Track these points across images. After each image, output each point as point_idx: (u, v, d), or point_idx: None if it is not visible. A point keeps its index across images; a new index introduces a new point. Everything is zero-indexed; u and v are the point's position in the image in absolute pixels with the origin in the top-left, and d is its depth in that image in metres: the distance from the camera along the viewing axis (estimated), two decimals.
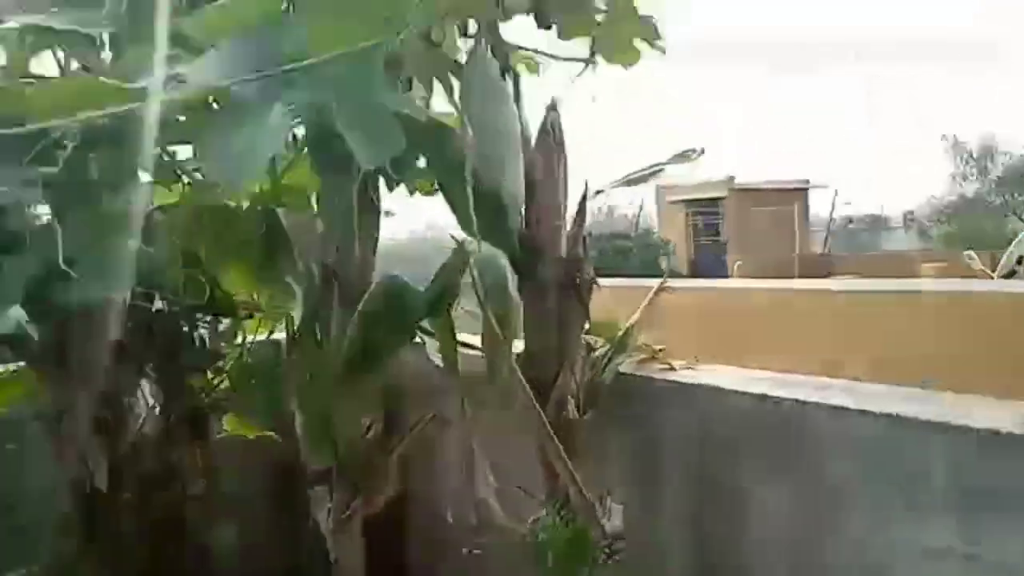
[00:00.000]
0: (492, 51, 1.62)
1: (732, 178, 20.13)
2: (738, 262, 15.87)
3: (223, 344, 2.22)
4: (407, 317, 1.51)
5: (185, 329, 2.14)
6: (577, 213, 1.73)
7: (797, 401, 1.63)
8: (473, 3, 1.32)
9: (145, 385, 2.09)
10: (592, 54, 1.51)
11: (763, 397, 1.69)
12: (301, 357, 1.53)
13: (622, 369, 1.97)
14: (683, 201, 20.71)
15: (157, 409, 2.11)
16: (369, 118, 0.85)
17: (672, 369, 2.01)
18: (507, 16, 1.41)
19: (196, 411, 2.18)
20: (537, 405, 1.80)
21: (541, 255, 1.71)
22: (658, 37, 1.51)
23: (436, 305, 1.52)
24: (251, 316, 2.27)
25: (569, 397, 1.82)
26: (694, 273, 19.11)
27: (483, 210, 1.63)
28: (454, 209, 1.67)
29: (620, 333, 1.98)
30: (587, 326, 1.87)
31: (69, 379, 1.82)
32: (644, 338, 2.05)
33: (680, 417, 1.87)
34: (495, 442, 1.81)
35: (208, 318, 2.20)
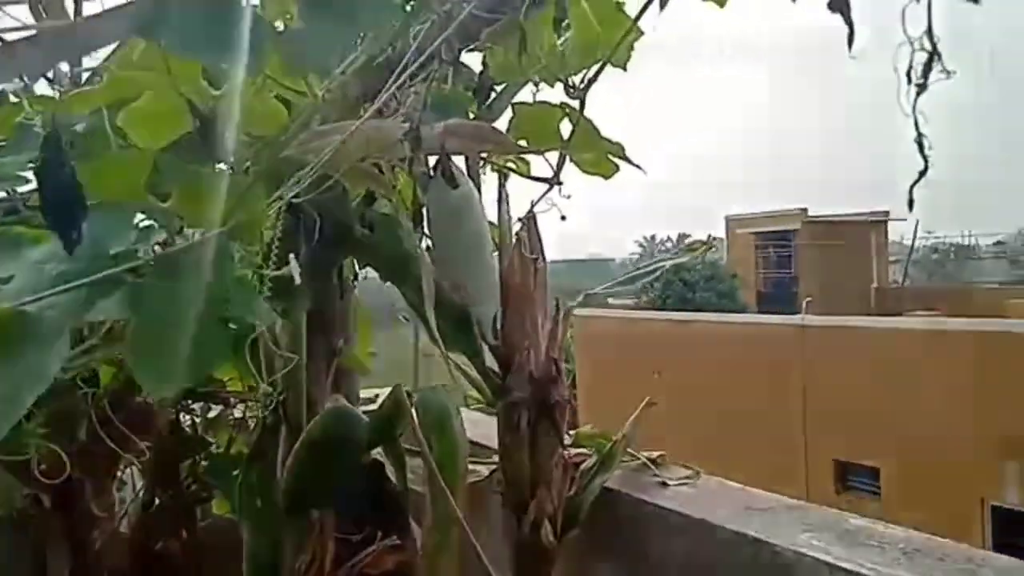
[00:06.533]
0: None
1: (805, 210, 19.54)
2: (808, 297, 15.38)
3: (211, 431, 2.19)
4: (350, 448, 1.44)
5: (174, 417, 2.13)
6: (551, 330, 1.63)
7: (796, 553, 1.46)
8: (387, 148, 1.25)
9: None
10: (557, 171, 1.41)
11: (758, 542, 1.53)
12: (252, 481, 1.47)
13: (610, 484, 1.84)
14: (753, 233, 20.22)
15: (141, 496, 2.10)
16: (173, 341, 0.77)
17: (665, 485, 1.87)
18: (422, 154, 1.33)
19: (181, 498, 2.15)
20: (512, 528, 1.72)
21: (513, 373, 1.62)
22: (624, 155, 1.42)
23: (382, 434, 1.45)
24: (243, 403, 2.24)
25: (546, 520, 1.72)
26: (762, 307, 18.59)
27: (452, 328, 1.56)
28: (425, 326, 1.60)
29: (608, 445, 1.86)
30: (567, 441, 1.76)
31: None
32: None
33: (663, 547, 1.73)
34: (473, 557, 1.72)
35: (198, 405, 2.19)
